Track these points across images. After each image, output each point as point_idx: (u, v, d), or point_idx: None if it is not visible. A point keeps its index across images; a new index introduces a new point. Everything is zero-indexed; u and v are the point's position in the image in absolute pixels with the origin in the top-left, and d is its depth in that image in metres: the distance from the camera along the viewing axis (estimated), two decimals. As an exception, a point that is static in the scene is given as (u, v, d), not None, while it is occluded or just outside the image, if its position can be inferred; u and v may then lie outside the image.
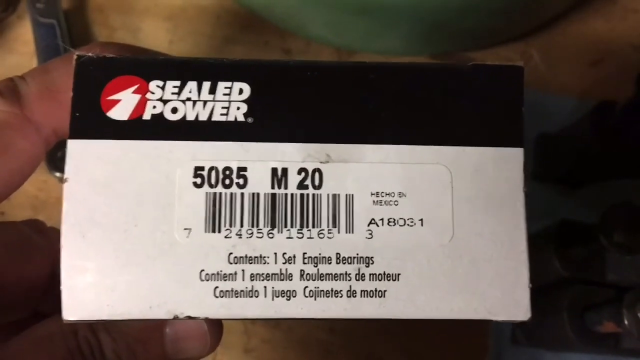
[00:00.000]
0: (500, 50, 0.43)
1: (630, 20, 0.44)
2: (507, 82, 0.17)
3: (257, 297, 0.16)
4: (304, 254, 0.16)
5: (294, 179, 0.16)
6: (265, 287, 0.16)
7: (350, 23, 0.37)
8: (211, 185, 0.16)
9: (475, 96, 0.17)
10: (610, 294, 0.31)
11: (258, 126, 0.17)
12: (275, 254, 0.16)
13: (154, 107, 0.16)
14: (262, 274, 0.16)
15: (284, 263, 0.16)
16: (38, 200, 0.40)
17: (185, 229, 0.16)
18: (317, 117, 0.17)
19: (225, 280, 0.16)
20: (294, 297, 0.16)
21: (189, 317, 0.16)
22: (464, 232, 0.17)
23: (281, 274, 0.16)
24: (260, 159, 0.16)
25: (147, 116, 0.16)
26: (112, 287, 0.16)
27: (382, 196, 0.17)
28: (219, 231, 0.16)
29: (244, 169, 0.16)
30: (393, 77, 0.17)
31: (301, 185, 0.16)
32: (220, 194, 0.16)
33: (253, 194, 0.16)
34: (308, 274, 0.16)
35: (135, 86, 0.16)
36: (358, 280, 0.16)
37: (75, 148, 0.16)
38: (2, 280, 0.20)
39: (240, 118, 0.17)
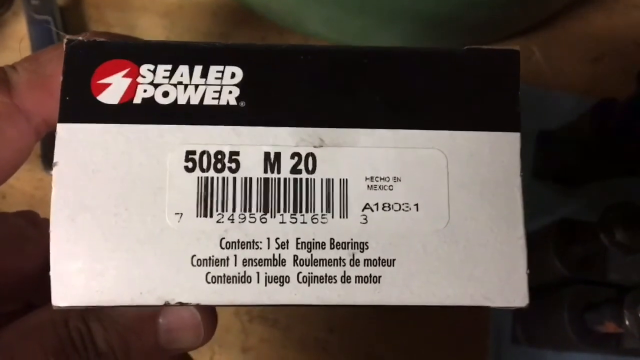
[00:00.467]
0: (501, 46, 0.43)
1: (631, 17, 0.44)
2: (502, 66, 0.17)
3: (249, 282, 0.16)
4: (297, 239, 0.16)
5: (287, 163, 0.16)
6: (258, 272, 0.16)
7: (349, 20, 0.37)
8: (203, 170, 0.16)
9: (470, 80, 0.17)
10: (611, 293, 0.31)
11: (250, 110, 0.16)
12: (268, 239, 0.16)
13: (145, 90, 0.16)
14: (255, 259, 0.16)
15: (277, 248, 0.16)
16: (34, 198, 0.39)
17: (176, 213, 0.16)
18: (310, 101, 0.16)
19: (217, 265, 0.16)
20: (287, 282, 0.16)
21: (180, 304, 0.16)
22: (459, 217, 0.16)
23: (274, 259, 0.16)
24: (252, 143, 0.16)
25: (137, 100, 0.16)
26: (101, 272, 0.16)
27: (377, 181, 0.16)
28: (211, 216, 0.16)
29: (236, 153, 0.16)
30: (387, 62, 0.17)
31: (294, 170, 0.16)
32: (212, 178, 0.16)
33: (245, 178, 0.16)
34: (301, 259, 0.16)
35: (126, 70, 0.16)
36: (352, 265, 0.16)
37: (65, 132, 0.16)
38: None
39: (233, 102, 0.16)
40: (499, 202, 0.16)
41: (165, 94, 0.16)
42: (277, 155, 0.16)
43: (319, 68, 0.17)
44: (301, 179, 0.16)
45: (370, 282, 0.16)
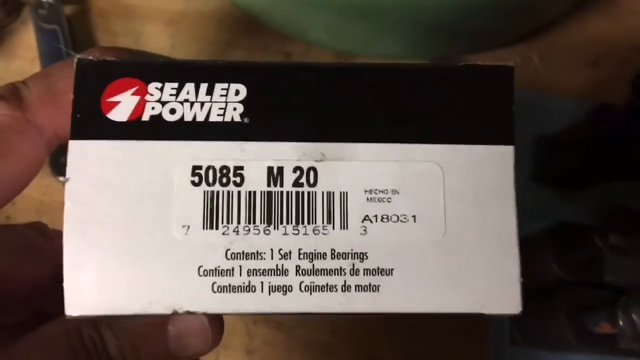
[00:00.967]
0: (501, 52, 0.43)
1: (629, 22, 0.44)
2: (497, 81, 0.18)
3: (254, 292, 0.16)
4: (300, 249, 0.17)
5: (289, 177, 0.17)
6: (262, 282, 0.16)
7: (350, 27, 0.38)
8: (209, 184, 0.17)
9: (466, 96, 0.17)
10: (608, 295, 0.32)
11: (254, 126, 0.17)
12: (272, 250, 0.17)
13: (153, 108, 0.17)
14: (259, 269, 0.17)
15: (280, 259, 0.17)
16: (42, 204, 0.40)
17: (183, 226, 0.17)
18: (311, 116, 0.17)
19: (222, 275, 0.16)
20: (290, 291, 0.17)
21: (188, 312, 0.16)
22: (456, 228, 0.17)
23: (277, 269, 0.17)
24: (256, 158, 0.17)
25: (146, 117, 0.17)
26: (112, 283, 0.16)
27: (376, 193, 0.17)
28: (217, 228, 0.17)
29: (241, 167, 0.17)
30: (386, 78, 0.17)
31: (296, 183, 0.17)
32: (218, 192, 0.17)
33: (249, 192, 0.17)
34: (303, 269, 0.17)
35: (135, 88, 0.17)
36: (352, 275, 0.17)
37: (77, 149, 0.17)
38: (7, 282, 0.20)
39: (237, 118, 0.17)
40: (493, 213, 0.17)
41: (172, 111, 0.17)
42: (280, 169, 0.17)
43: (319, 84, 0.17)
44: (303, 192, 0.17)
45: (370, 291, 0.17)
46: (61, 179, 0.39)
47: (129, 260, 0.16)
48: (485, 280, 0.17)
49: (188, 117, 0.17)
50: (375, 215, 0.17)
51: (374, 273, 0.17)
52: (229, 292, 0.16)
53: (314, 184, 0.17)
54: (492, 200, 0.17)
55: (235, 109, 0.17)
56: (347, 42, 0.39)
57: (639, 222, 0.29)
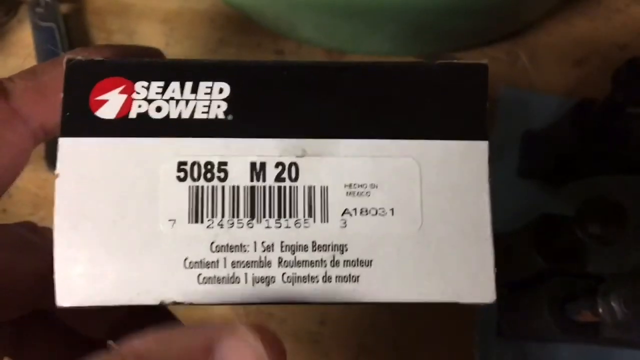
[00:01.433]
0: (488, 50, 0.44)
1: (614, 20, 0.45)
2: (472, 79, 0.18)
3: (238, 283, 0.17)
4: (282, 242, 0.17)
5: (271, 172, 0.18)
6: (246, 273, 0.17)
7: (340, 26, 0.38)
8: (194, 179, 0.17)
9: (442, 93, 0.18)
10: (590, 284, 0.32)
11: (237, 123, 0.18)
12: (255, 242, 0.17)
13: (140, 106, 0.18)
14: (243, 261, 0.17)
15: (263, 251, 0.17)
16: (38, 197, 0.41)
17: (169, 220, 0.17)
18: (293, 114, 0.18)
19: (208, 267, 0.17)
20: (273, 282, 0.17)
21: (175, 303, 0.17)
22: (432, 221, 0.18)
23: (260, 261, 0.17)
24: (239, 154, 0.18)
25: (133, 115, 0.17)
26: (101, 275, 0.17)
27: (355, 188, 0.18)
28: (202, 222, 0.17)
29: (225, 163, 0.17)
30: (364, 76, 0.18)
31: (278, 178, 0.18)
32: (203, 187, 0.17)
33: (233, 186, 0.17)
34: (286, 261, 0.17)
35: (122, 87, 0.18)
36: (333, 266, 0.17)
37: (66, 145, 0.17)
38: (5, 277, 0.21)
39: (221, 116, 0.18)
40: (468, 206, 0.18)
41: (159, 109, 0.18)
42: (263, 165, 0.18)
43: (300, 83, 0.18)
44: (285, 187, 0.17)
45: (350, 282, 0.17)
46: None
47: (118, 253, 0.17)
48: (460, 270, 0.17)
49: (173, 115, 0.18)
50: (355, 209, 0.18)
51: (353, 264, 0.17)
52: (214, 283, 0.17)
53: (296, 179, 0.18)
54: (466, 193, 0.18)
55: (219, 106, 0.18)
56: (336, 40, 0.40)
57: (616, 212, 0.29)
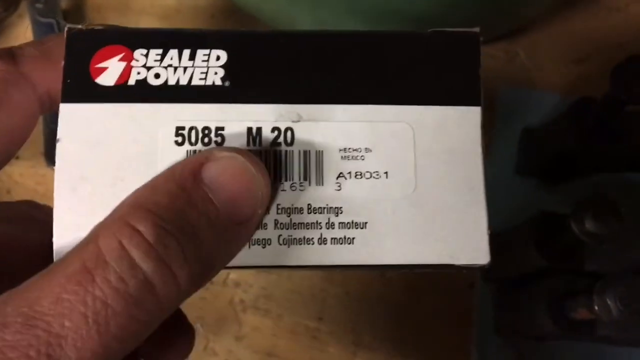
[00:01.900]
0: (487, 48, 0.45)
1: (613, 19, 0.45)
2: (464, 46, 0.19)
3: None
4: (278, 205, 0.18)
5: (267, 136, 0.18)
6: None
7: (339, 22, 0.39)
8: (191, 144, 0.18)
9: (435, 60, 0.18)
10: (587, 282, 0.32)
11: (234, 89, 0.18)
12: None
13: (138, 73, 0.18)
14: None
15: None
16: (37, 193, 0.41)
17: None
18: (289, 80, 0.18)
19: None
20: (269, 244, 0.17)
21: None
22: (426, 183, 0.18)
23: None
24: (236, 119, 0.18)
25: (132, 82, 0.18)
26: None
27: (350, 152, 0.18)
28: None
29: (222, 128, 0.18)
30: (359, 44, 0.18)
31: (274, 143, 0.18)
32: (200, 151, 0.18)
33: None
34: (282, 223, 0.18)
35: (121, 54, 0.18)
36: (328, 228, 0.18)
37: (67, 111, 0.18)
38: (10, 250, 0.21)
39: (218, 82, 0.18)
40: (461, 169, 0.18)
41: (157, 76, 0.18)
42: (259, 129, 0.18)
43: (296, 50, 0.18)
44: (280, 151, 0.18)
45: (345, 243, 0.18)
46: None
47: None
48: (455, 232, 0.18)
49: (172, 81, 0.18)
50: (350, 172, 0.18)
51: (348, 226, 0.18)
52: None
53: (291, 143, 0.18)
54: (460, 157, 0.18)
55: (216, 73, 0.18)
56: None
57: (611, 209, 0.29)
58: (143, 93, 0.18)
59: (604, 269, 0.33)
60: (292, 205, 0.18)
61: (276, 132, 0.18)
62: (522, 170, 0.43)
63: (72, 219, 0.17)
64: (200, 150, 0.18)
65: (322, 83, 0.18)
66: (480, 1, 0.37)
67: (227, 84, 0.18)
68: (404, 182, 0.18)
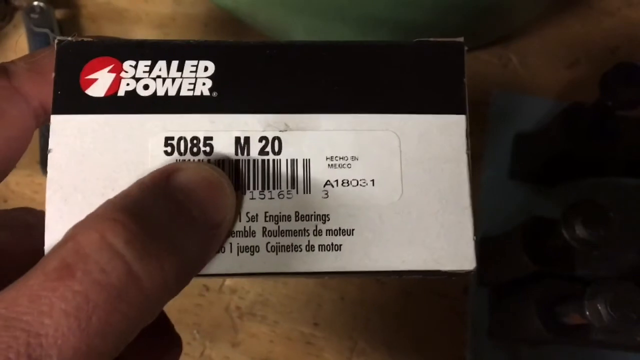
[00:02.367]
0: (480, 54, 0.45)
1: (605, 24, 0.46)
2: (449, 56, 0.19)
3: (223, 252, 0.18)
4: (266, 212, 0.18)
5: (255, 146, 0.18)
6: (231, 243, 0.18)
7: (331, 29, 0.39)
8: (180, 154, 0.18)
9: (420, 69, 0.19)
10: (578, 287, 0.33)
11: (222, 100, 0.18)
12: (240, 213, 0.18)
13: (128, 84, 0.18)
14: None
15: (247, 221, 0.18)
16: (34, 202, 0.41)
17: None
18: (276, 90, 0.18)
19: None
20: (257, 252, 0.18)
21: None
22: (412, 191, 0.18)
23: (245, 231, 0.18)
24: (224, 129, 0.18)
25: (121, 93, 0.18)
26: None
27: (337, 160, 0.18)
28: None
29: (210, 138, 0.18)
30: (344, 54, 0.19)
31: (262, 152, 0.18)
32: (189, 161, 0.18)
33: (219, 160, 0.18)
34: (270, 230, 0.18)
35: (111, 66, 0.18)
36: (316, 235, 0.18)
37: (58, 122, 0.18)
38: (8, 256, 0.21)
39: (206, 93, 0.18)
40: (447, 177, 0.18)
41: (146, 87, 0.18)
42: (247, 139, 0.18)
43: (283, 61, 0.19)
44: (268, 160, 0.18)
45: (332, 250, 0.18)
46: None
47: None
48: (440, 239, 0.18)
49: (160, 92, 0.18)
50: (336, 180, 0.18)
51: (335, 233, 0.18)
52: None
53: (279, 152, 0.18)
54: (445, 165, 0.18)
55: (204, 83, 0.18)
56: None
57: (600, 214, 0.30)
58: (132, 104, 0.18)
59: (595, 274, 0.34)
60: (280, 213, 0.18)
61: (264, 142, 0.18)
62: (515, 175, 0.43)
63: (64, 228, 0.17)
64: (189, 160, 0.18)
65: (308, 93, 0.18)
66: (469, 9, 0.37)
67: (215, 94, 0.18)
68: (390, 190, 0.18)
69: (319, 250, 0.18)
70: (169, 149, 0.18)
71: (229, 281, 0.41)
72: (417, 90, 0.19)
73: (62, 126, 0.18)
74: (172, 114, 0.18)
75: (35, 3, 0.41)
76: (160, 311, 0.17)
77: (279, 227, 0.18)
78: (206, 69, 0.18)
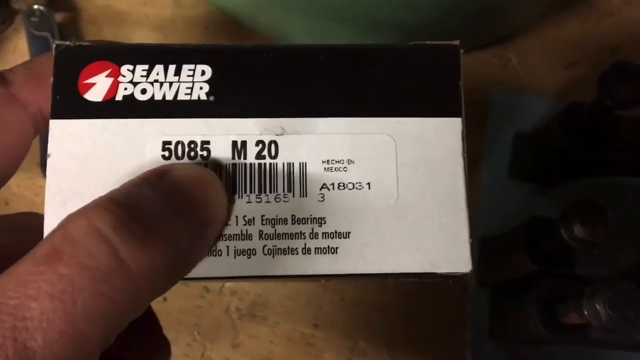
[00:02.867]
0: (479, 54, 0.45)
1: (603, 24, 0.46)
2: (445, 59, 0.19)
3: (220, 256, 0.18)
4: (263, 216, 0.18)
5: (252, 150, 0.18)
6: (227, 246, 0.18)
7: (330, 31, 0.39)
8: (178, 158, 0.18)
9: (416, 72, 0.19)
10: (578, 286, 0.33)
11: (219, 104, 0.18)
12: (237, 216, 0.18)
13: (125, 88, 0.18)
14: (225, 234, 0.18)
15: (244, 225, 0.18)
16: (35, 204, 0.42)
17: None
18: (272, 94, 0.19)
19: None
20: (254, 255, 0.18)
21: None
22: (408, 194, 0.18)
23: (242, 234, 0.18)
24: (221, 133, 0.18)
25: (119, 97, 0.18)
26: None
27: (333, 163, 0.18)
28: None
29: (207, 142, 0.18)
30: (341, 58, 0.19)
31: (259, 156, 0.18)
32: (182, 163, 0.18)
33: (216, 164, 0.18)
34: (266, 233, 0.18)
35: (109, 70, 0.18)
36: (312, 238, 0.18)
37: (56, 127, 0.18)
38: (6, 260, 0.21)
39: (203, 97, 0.18)
40: (443, 179, 0.18)
41: (144, 91, 0.18)
42: (244, 143, 0.18)
43: (279, 64, 0.19)
44: (265, 164, 0.18)
45: (329, 253, 0.18)
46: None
47: None
48: (437, 242, 0.18)
49: (158, 97, 0.18)
50: (332, 184, 0.18)
51: (332, 236, 0.18)
52: None
53: (275, 156, 0.18)
54: (441, 168, 0.18)
55: (201, 88, 0.18)
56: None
57: (598, 214, 0.30)
58: (130, 108, 0.18)
59: (594, 273, 0.34)
60: (277, 216, 0.18)
61: (260, 146, 0.18)
62: (515, 175, 0.43)
63: None
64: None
65: (304, 97, 0.19)
66: (469, 10, 0.37)
67: (212, 98, 0.18)
68: (386, 193, 0.18)
69: (315, 253, 0.18)
70: (166, 153, 0.18)
71: (229, 283, 0.41)
72: (413, 94, 0.19)
73: (60, 131, 0.18)
74: (170, 118, 0.18)
75: (36, 6, 0.41)
76: (149, 305, 0.17)
77: (275, 230, 0.18)
78: (203, 73, 0.18)
